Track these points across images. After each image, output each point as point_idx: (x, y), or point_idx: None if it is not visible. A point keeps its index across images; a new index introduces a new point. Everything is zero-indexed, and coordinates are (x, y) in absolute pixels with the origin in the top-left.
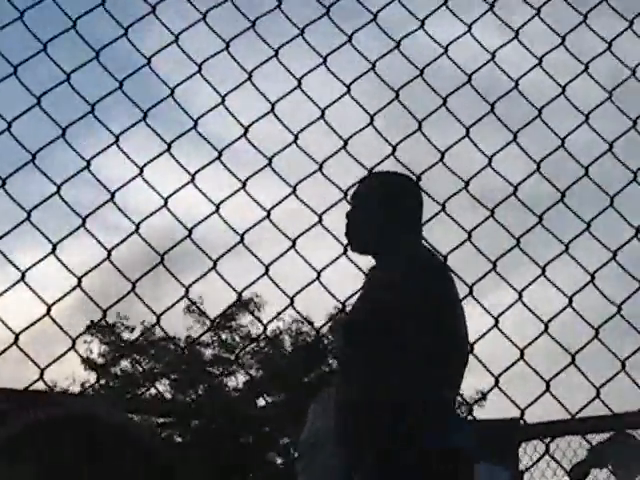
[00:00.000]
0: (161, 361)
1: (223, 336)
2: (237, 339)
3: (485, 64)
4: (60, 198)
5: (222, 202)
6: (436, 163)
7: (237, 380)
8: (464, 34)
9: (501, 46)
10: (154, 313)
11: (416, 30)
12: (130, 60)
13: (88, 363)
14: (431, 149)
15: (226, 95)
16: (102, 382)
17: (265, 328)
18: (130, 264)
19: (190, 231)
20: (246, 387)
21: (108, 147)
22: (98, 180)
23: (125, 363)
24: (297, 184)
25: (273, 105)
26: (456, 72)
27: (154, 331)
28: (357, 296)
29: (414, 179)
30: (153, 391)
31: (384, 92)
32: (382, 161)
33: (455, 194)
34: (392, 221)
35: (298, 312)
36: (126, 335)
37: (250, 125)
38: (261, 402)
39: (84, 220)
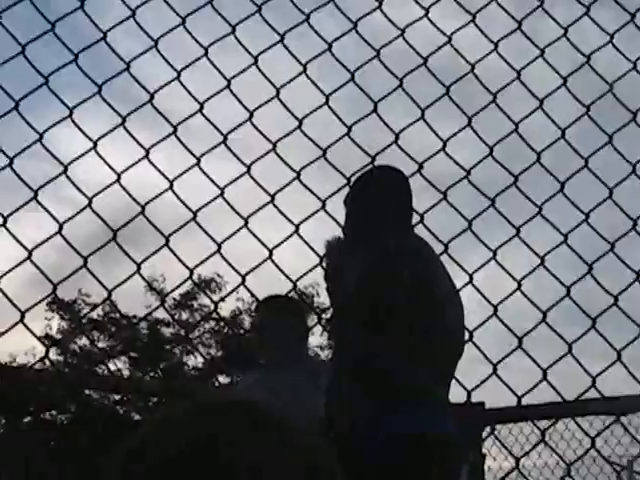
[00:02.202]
0: (120, 339)
1: (184, 315)
2: (198, 318)
3: (441, 47)
4: (12, 171)
5: (176, 179)
6: (390, 145)
7: (196, 360)
8: (422, 18)
9: (458, 29)
10: (105, 288)
11: (374, 11)
12: (88, 34)
13: (46, 339)
14: (388, 132)
15: (182, 70)
16: (61, 358)
17: (216, 306)
18: (89, 241)
19: (143, 207)
20: (206, 366)
21: (62, 120)
22: (51, 153)
23: (84, 340)
24: (252, 163)
25: (229, 81)
26: (414, 55)
27: (113, 309)
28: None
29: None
30: (112, 367)
31: (343, 73)
32: (336, 141)
33: (410, 176)
34: (373, 216)
35: (250, 291)
36: (88, 312)
37: (205, 101)
38: (221, 380)
39: (36, 193)
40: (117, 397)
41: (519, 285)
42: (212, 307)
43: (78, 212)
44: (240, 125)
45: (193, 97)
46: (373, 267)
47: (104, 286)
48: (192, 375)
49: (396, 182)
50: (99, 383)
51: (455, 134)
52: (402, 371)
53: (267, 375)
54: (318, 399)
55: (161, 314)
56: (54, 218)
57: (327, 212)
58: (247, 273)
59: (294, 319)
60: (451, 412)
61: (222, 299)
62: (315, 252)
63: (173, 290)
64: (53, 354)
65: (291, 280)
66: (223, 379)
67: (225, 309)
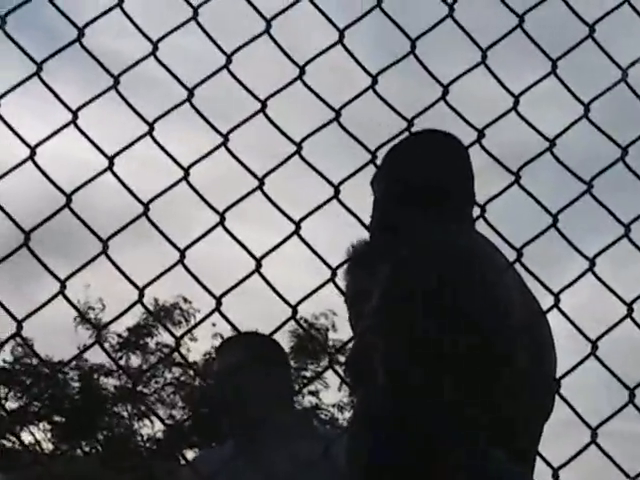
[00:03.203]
0: (40, 396)
1: (134, 360)
2: (155, 363)
3: None
4: None
5: (117, 154)
6: (435, 103)
7: (153, 427)
8: None
9: None
10: (14, 318)
11: None
12: None
13: None
14: (432, 84)
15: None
16: None
17: (177, 345)
18: None
19: (69, 197)
20: (167, 436)
21: None
22: None
23: None
24: (230, 131)
25: (196, 10)
26: None
27: (29, 351)
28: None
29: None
30: (27, 439)
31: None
32: (356, 97)
33: (467, 147)
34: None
35: (229, 321)
36: None
37: (161, 39)
38: (189, 456)
39: None
40: None
41: (630, 310)
42: (174, 346)
43: None
44: (214, 74)
45: (143, 33)
46: (408, 281)
47: (11, 315)
48: (147, 449)
49: (450, 152)
50: (8, 466)
51: (532, 86)
52: (468, 450)
53: (242, 451)
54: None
55: (100, 357)
56: None
57: (342, 203)
58: (223, 294)
59: (279, 367)
60: None
61: (186, 333)
62: (325, 263)
63: (114, 319)
64: None
65: (290, 305)
66: (192, 455)
67: (194, 349)
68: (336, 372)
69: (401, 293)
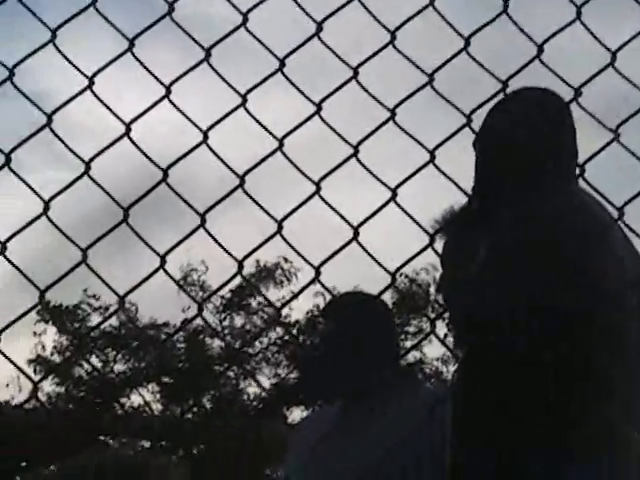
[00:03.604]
0: (147, 358)
1: (238, 321)
2: (259, 324)
3: None
4: None
5: (212, 127)
6: (531, 61)
7: (260, 384)
8: None
9: None
10: (115, 293)
11: None
12: None
13: (37, 363)
14: (523, 40)
15: None
16: (60, 389)
17: (279, 309)
18: (95, 220)
19: (165, 172)
20: (273, 393)
21: (40, 48)
22: (27, 97)
23: (94, 361)
24: (324, 99)
25: None
26: None
27: (135, 315)
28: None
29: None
30: (136, 400)
31: None
32: (451, 59)
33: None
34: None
35: (327, 288)
36: (96, 320)
37: (251, 9)
38: (295, 415)
39: (8, 157)
40: (146, 444)
41: None
42: (276, 313)
43: (71, 183)
44: (304, 43)
45: (233, 4)
46: (523, 244)
47: (113, 290)
48: (254, 408)
49: (550, 108)
50: (118, 425)
51: (629, 41)
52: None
53: (350, 409)
54: (435, 439)
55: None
56: (37, 194)
57: (438, 167)
58: (322, 264)
59: (381, 327)
60: None
61: (284, 305)
62: (423, 229)
63: (219, 289)
64: (49, 384)
65: (388, 272)
66: (300, 412)
67: (297, 308)
68: (435, 334)
69: (521, 247)
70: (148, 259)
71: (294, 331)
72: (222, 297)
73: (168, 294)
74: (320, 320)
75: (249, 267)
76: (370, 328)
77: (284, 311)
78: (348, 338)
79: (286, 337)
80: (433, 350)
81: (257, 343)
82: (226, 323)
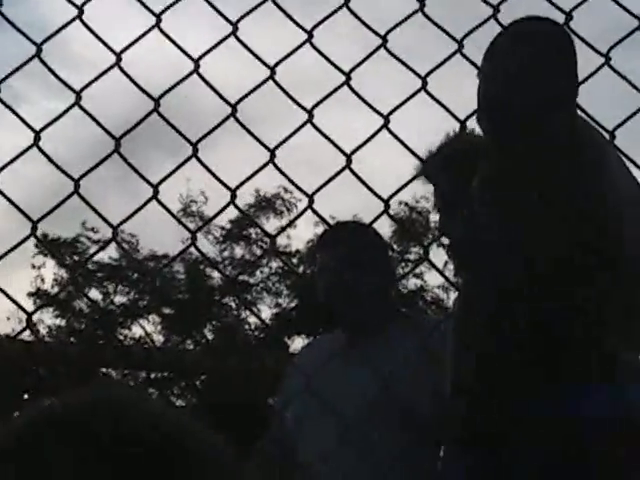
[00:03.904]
0: (147, 289)
1: (238, 251)
2: (258, 254)
3: None
4: None
5: (203, 56)
6: None
7: (261, 314)
8: None
9: None
10: (109, 224)
11: None
12: None
13: (37, 296)
14: None
15: None
16: (59, 321)
17: (274, 238)
18: (91, 151)
19: (157, 101)
20: (274, 324)
21: None
22: (14, 26)
23: (94, 293)
24: (315, 26)
25: None
26: None
27: (135, 246)
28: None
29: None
30: (136, 332)
31: None
32: None
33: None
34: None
35: (319, 215)
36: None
37: None
38: (297, 344)
39: None
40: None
41: None
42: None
43: (62, 113)
44: None
45: None
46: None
47: (105, 219)
48: (255, 337)
49: (556, 40)
50: (119, 357)
51: None
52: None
53: (350, 339)
54: (432, 370)
55: (205, 249)
56: (29, 126)
57: (430, 94)
58: (314, 192)
59: (377, 256)
60: None
61: (278, 234)
62: (415, 155)
63: (212, 219)
64: (48, 317)
65: (382, 199)
66: (301, 341)
67: (296, 237)
68: (429, 261)
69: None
70: (146, 191)
71: (294, 260)
72: (222, 228)
73: (168, 226)
74: (316, 249)
75: (249, 197)
76: (368, 256)
77: (285, 241)
78: (343, 271)
79: (286, 267)
80: (434, 278)
81: (258, 273)
82: (226, 254)
